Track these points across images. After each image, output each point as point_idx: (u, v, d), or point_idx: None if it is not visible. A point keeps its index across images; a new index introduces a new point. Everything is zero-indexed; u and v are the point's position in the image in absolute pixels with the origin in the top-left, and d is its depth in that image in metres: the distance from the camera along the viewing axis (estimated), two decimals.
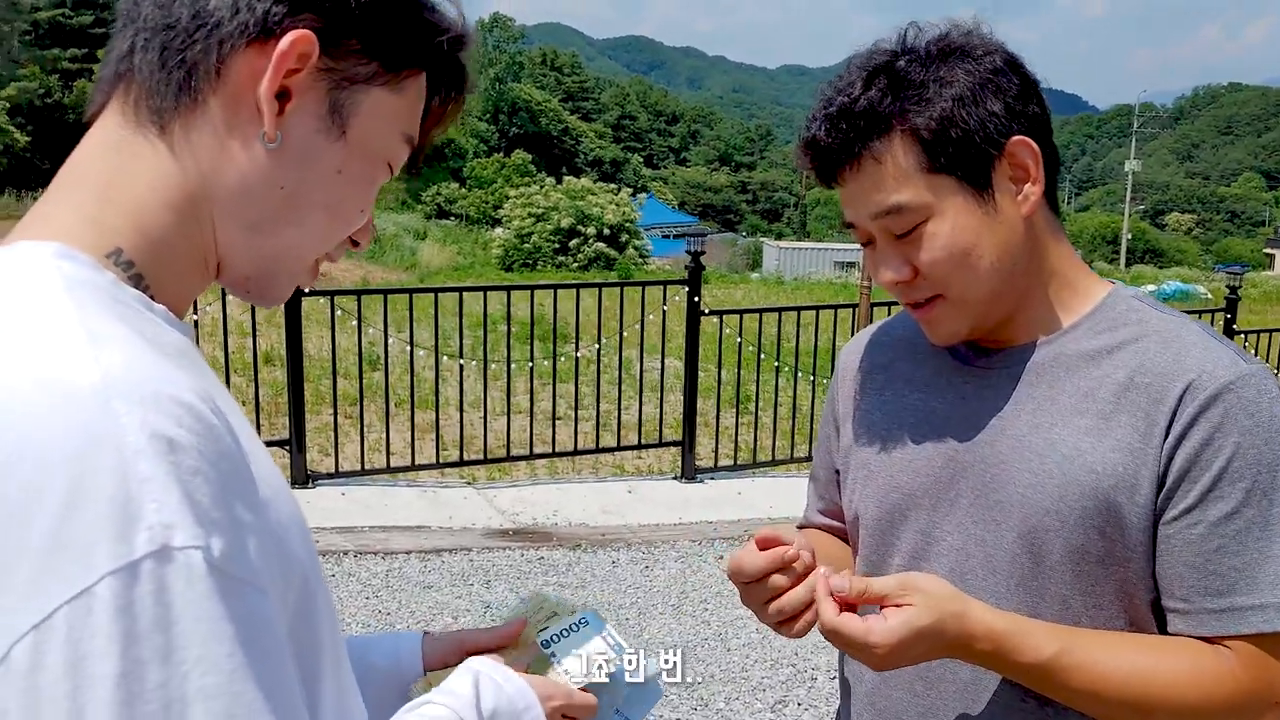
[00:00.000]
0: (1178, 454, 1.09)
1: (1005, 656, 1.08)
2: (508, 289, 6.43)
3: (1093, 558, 1.12)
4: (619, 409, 6.58)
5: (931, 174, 1.12)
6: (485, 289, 6.35)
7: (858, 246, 1.30)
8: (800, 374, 7.06)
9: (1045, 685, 1.10)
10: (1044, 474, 1.14)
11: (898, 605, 1.06)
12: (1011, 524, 1.16)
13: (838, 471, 1.41)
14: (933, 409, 1.25)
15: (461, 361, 6.37)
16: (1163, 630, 1.15)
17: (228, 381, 6.12)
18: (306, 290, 5.82)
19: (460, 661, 1.04)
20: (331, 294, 6.02)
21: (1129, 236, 59.03)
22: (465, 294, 6.58)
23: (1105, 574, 1.13)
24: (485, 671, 0.97)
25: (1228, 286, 8.49)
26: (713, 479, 6.69)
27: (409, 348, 6.22)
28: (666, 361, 6.82)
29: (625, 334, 6.67)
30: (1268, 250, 66.33)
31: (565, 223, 25.74)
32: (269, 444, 6.10)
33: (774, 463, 6.93)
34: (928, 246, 1.14)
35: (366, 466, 6.14)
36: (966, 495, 1.20)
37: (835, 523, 1.46)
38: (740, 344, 6.77)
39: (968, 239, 1.14)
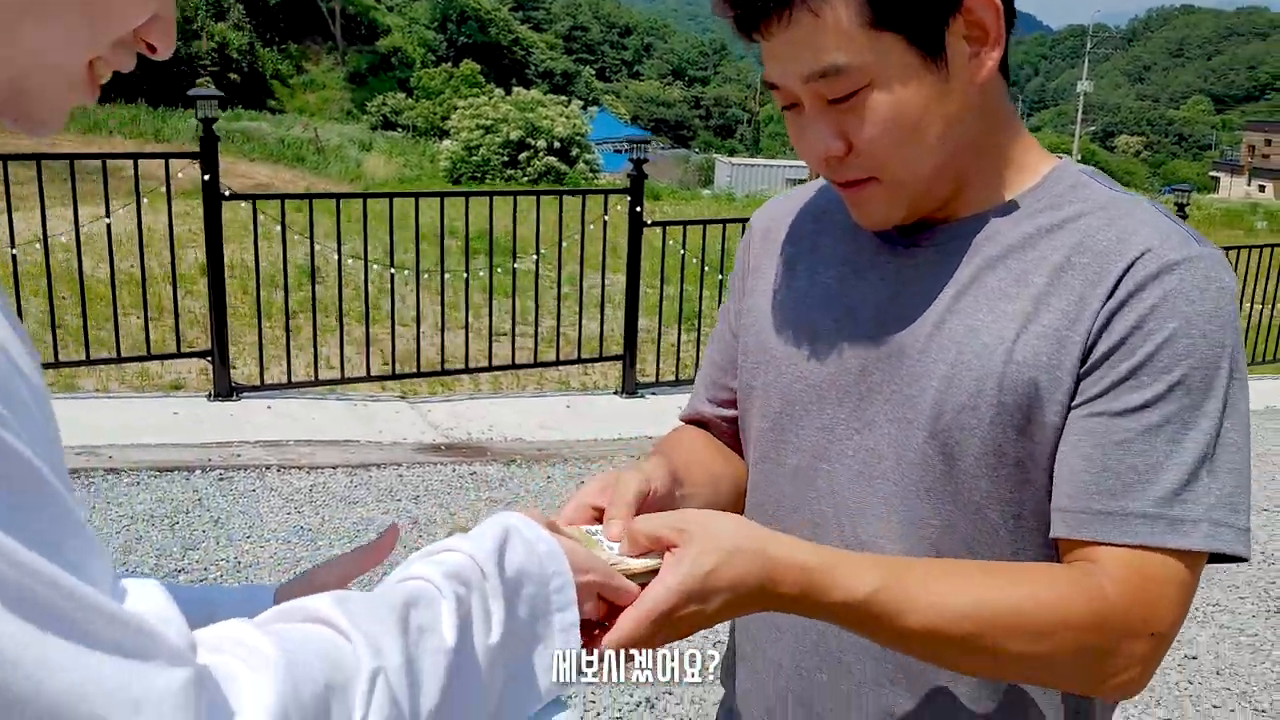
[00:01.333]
0: (1103, 336, 0.95)
1: (814, 598, 0.89)
2: (441, 195, 6.17)
3: (1010, 460, 0.98)
4: (558, 323, 6.39)
5: (876, 31, 0.94)
6: (418, 195, 6.08)
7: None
8: None
9: (869, 629, 0.92)
10: (961, 365, 0.99)
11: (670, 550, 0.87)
12: (923, 421, 1.01)
13: (739, 355, 1.24)
14: (847, 291, 1.09)
15: (393, 271, 6.12)
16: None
17: (145, 299, 5.84)
18: (227, 194, 5.53)
19: None
20: (254, 198, 5.73)
21: (1079, 158, 59.58)
22: (399, 201, 6.31)
23: (1024, 479, 0.99)
24: (517, 526, 0.81)
25: (1176, 204, 8.42)
26: (654, 394, 6.55)
27: (338, 256, 5.95)
28: (609, 276, 6.63)
29: (566, 245, 6.45)
30: (1213, 174, 67.03)
31: (514, 135, 25.16)
32: (189, 355, 5.86)
33: None
34: (869, 119, 0.97)
35: (294, 379, 5.92)
36: (879, 389, 1.05)
37: (728, 412, 1.28)
38: (684, 256, 6.58)
39: (913, 110, 0.96)
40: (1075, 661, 0.93)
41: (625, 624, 0.83)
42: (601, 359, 6.62)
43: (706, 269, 6.83)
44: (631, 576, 0.86)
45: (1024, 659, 0.92)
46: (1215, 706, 3.57)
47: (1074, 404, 0.96)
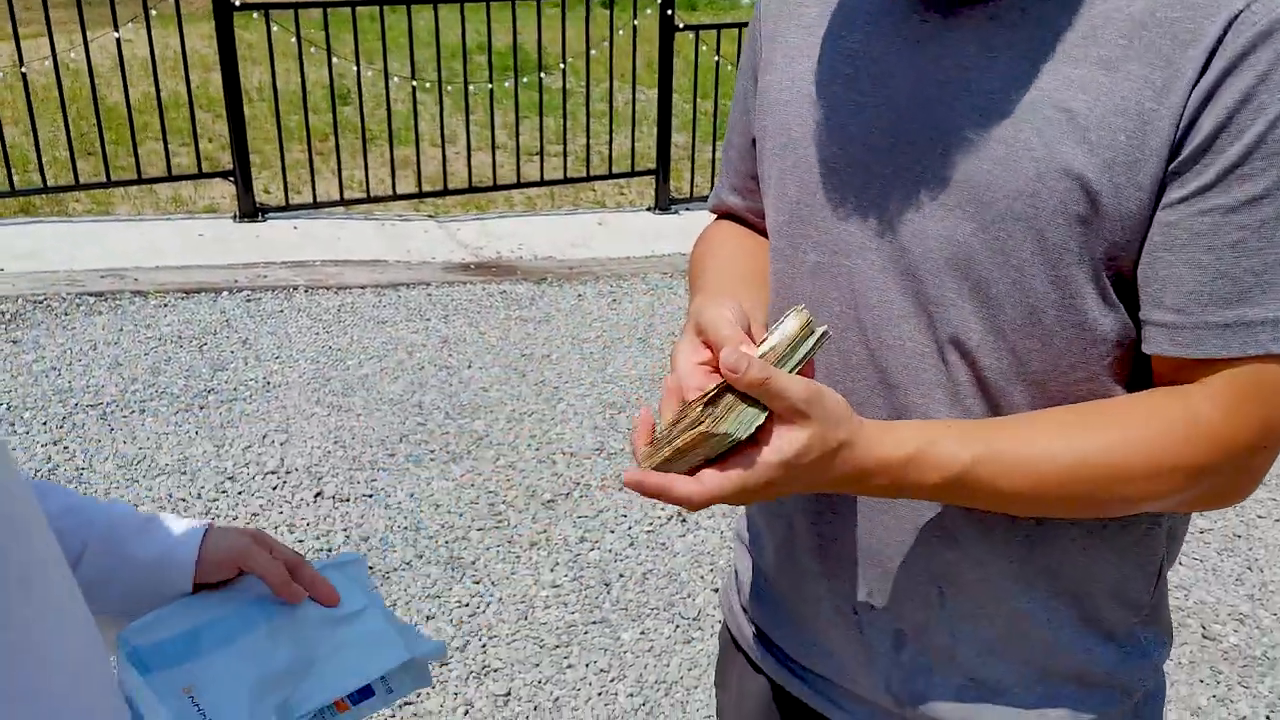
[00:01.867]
0: (1205, 113, 0.77)
1: (909, 485, 0.84)
2: (461, 2, 5.86)
3: (1072, 258, 0.83)
4: (588, 138, 6.16)
5: None
6: (437, 1, 5.77)
7: None
8: None
9: (968, 500, 0.86)
10: (1018, 145, 0.82)
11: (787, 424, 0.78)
12: (969, 211, 0.85)
13: (755, 139, 1.09)
14: (877, 58, 0.91)
15: (415, 84, 5.88)
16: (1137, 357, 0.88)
17: (162, 119, 5.67)
18: (238, 3, 5.28)
19: (235, 576, 0.93)
20: (266, 6, 5.47)
21: None
22: (419, 12, 6.00)
23: (1087, 280, 0.84)
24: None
25: None
26: (688, 210, 6.36)
27: (356, 70, 5.72)
28: (639, 89, 6.35)
29: (595, 54, 6.15)
30: None
31: None
32: (211, 175, 5.72)
33: None
34: None
35: (320, 200, 5.79)
36: (912, 172, 0.89)
37: (750, 203, 1.15)
38: (718, 64, 6.27)
39: None
40: (1184, 491, 0.84)
41: (712, 482, 0.78)
42: (634, 174, 6.41)
43: None
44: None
45: (1131, 500, 0.84)
46: None
47: (1169, 198, 0.80)
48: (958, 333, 0.89)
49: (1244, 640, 2.93)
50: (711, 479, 0.78)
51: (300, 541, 3.15)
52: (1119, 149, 0.80)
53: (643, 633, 2.87)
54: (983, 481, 0.83)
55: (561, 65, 6.12)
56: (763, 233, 1.16)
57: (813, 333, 0.79)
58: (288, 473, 3.49)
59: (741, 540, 1.22)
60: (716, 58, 6.28)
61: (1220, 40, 0.76)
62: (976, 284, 0.87)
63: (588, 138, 6.20)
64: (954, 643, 1.00)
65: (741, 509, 1.30)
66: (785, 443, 0.78)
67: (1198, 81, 0.77)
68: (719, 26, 6.31)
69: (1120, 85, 0.80)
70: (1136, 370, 0.89)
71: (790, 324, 0.79)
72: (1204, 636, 2.94)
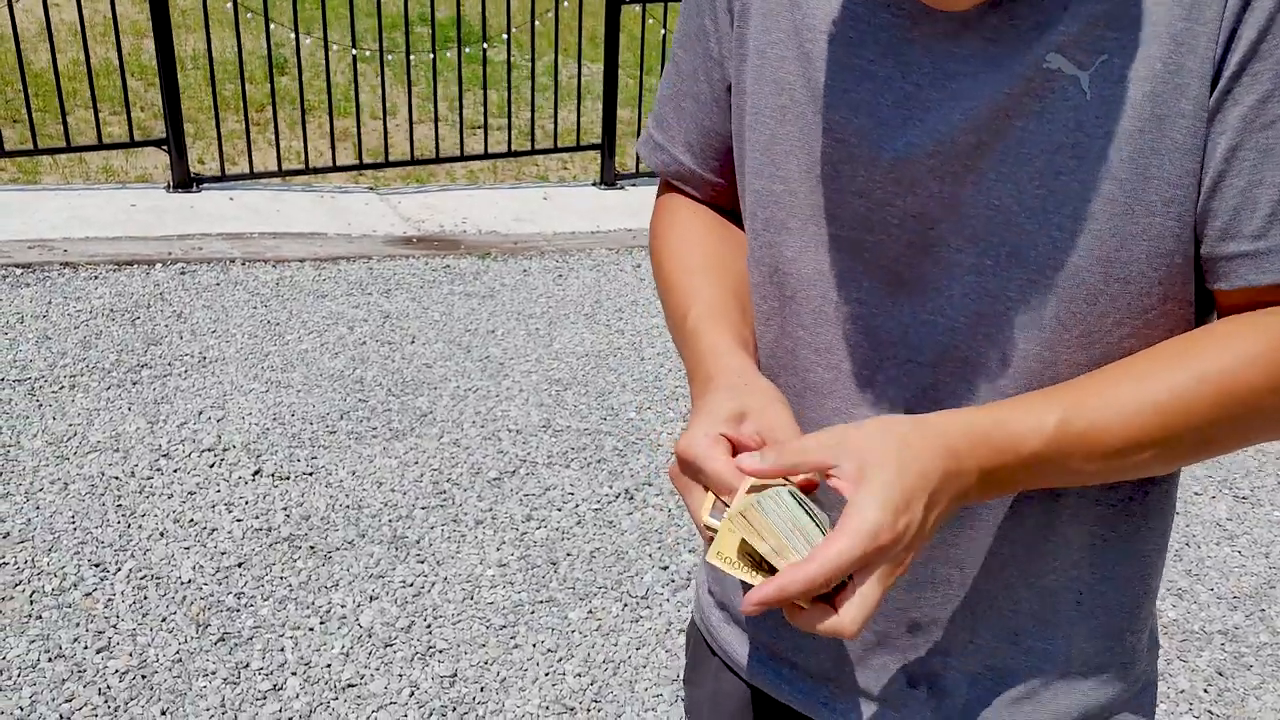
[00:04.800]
0: (1244, 20, 0.73)
1: (1004, 457, 0.77)
2: None
3: (1119, 206, 0.78)
4: (533, 113, 6.08)
5: None
6: None
7: None
8: None
9: (1067, 470, 0.79)
10: (1050, 94, 0.79)
11: (848, 482, 0.73)
12: (1003, 172, 0.81)
13: (729, 88, 0.98)
14: (884, 25, 0.84)
15: (355, 52, 5.75)
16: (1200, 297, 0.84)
17: (91, 85, 5.48)
18: None
19: None
20: None
21: None
22: None
23: (1136, 225, 0.79)
24: None
25: None
26: (634, 185, 6.31)
27: (296, 38, 5.58)
28: (587, 66, 6.27)
29: (539, 26, 6.06)
30: None
31: None
32: (143, 144, 5.56)
33: None
34: None
35: (257, 170, 5.65)
36: (923, 143, 0.83)
37: (706, 164, 1.05)
38: (665, 38, 6.21)
39: None
40: None
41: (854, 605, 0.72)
42: (579, 148, 6.34)
43: None
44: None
45: (1269, 416, 0.78)
46: None
47: (1224, 120, 0.75)
48: (994, 301, 0.84)
49: (1182, 615, 2.98)
50: (851, 606, 0.72)
51: (239, 521, 3.07)
52: (1157, 78, 0.75)
53: (590, 612, 2.84)
54: (1078, 439, 0.77)
55: (505, 36, 6.02)
56: (713, 203, 1.08)
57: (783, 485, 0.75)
58: (225, 450, 3.40)
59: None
60: (663, 31, 6.23)
61: None
62: (1015, 249, 0.82)
63: (532, 111, 6.11)
64: (973, 628, 0.95)
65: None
66: (859, 497, 0.72)
67: None
68: (666, 0, 6.24)
69: (1148, 10, 0.75)
70: (1179, 320, 0.84)
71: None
72: None
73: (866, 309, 0.90)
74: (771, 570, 0.73)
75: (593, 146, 6.28)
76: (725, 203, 1.08)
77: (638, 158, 6.42)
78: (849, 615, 0.72)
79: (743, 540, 0.74)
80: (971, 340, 0.86)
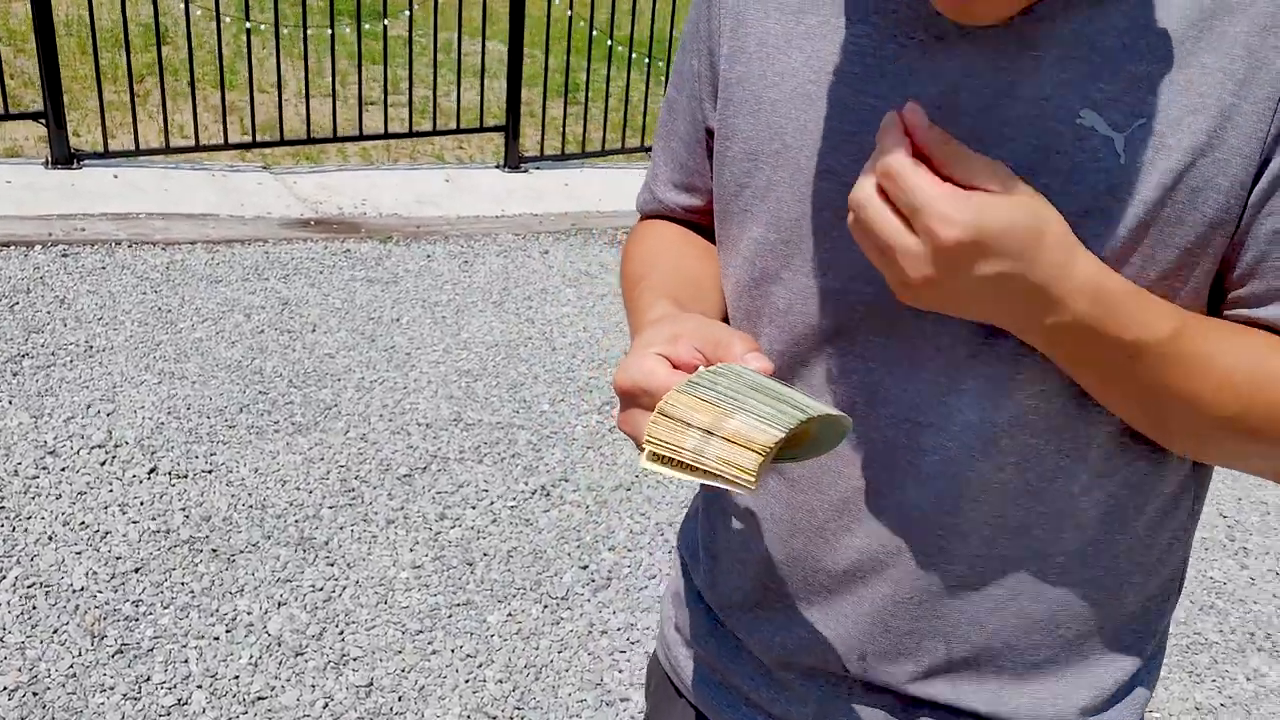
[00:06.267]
0: None
1: (1103, 324, 0.72)
2: None
3: (1135, 270, 0.76)
4: (435, 91, 5.91)
5: None
6: None
7: None
8: (635, 58, 6.49)
9: (1147, 376, 0.75)
10: (1081, 153, 0.74)
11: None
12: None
13: (710, 131, 0.95)
14: (891, 56, 0.79)
15: (249, 25, 5.51)
16: None
17: None
18: None
19: None
20: None
21: None
22: None
23: (1162, 284, 0.77)
24: None
25: None
26: (538, 169, 6.20)
27: (185, 6, 5.31)
28: (489, 44, 6.12)
29: (441, 1, 5.89)
30: None
31: None
32: (19, 116, 5.24)
33: (604, 153, 6.47)
34: None
35: (142, 146, 5.37)
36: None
37: (698, 201, 1.02)
38: (570, 18, 6.10)
39: None
40: None
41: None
42: (482, 129, 6.19)
43: (595, 33, 6.37)
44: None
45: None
46: None
47: (1258, 197, 0.73)
48: (1003, 362, 0.80)
49: None
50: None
51: (134, 523, 2.91)
52: (1197, 150, 0.72)
53: (510, 614, 2.77)
54: (1182, 357, 0.74)
55: (406, 12, 5.84)
56: (703, 232, 1.04)
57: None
58: (116, 446, 3.22)
59: (687, 566, 1.11)
60: (569, 12, 6.12)
61: None
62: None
63: (435, 90, 5.95)
64: (960, 610, 0.89)
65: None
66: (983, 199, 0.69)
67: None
68: None
69: (1195, 80, 0.72)
70: None
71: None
72: None
73: (862, 364, 0.85)
74: (703, 471, 0.66)
75: (497, 128, 6.15)
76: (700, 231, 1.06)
77: (542, 139, 6.31)
78: (863, 193, 0.71)
79: (675, 429, 0.67)
80: (978, 401, 0.82)
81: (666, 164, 1.03)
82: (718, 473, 0.65)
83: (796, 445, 0.70)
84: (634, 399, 0.74)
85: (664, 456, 0.67)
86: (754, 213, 0.89)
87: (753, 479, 0.64)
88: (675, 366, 0.74)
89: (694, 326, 0.77)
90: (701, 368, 0.71)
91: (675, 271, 0.97)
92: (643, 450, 0.68)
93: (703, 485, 0.83)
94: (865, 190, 0.71)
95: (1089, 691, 0.93)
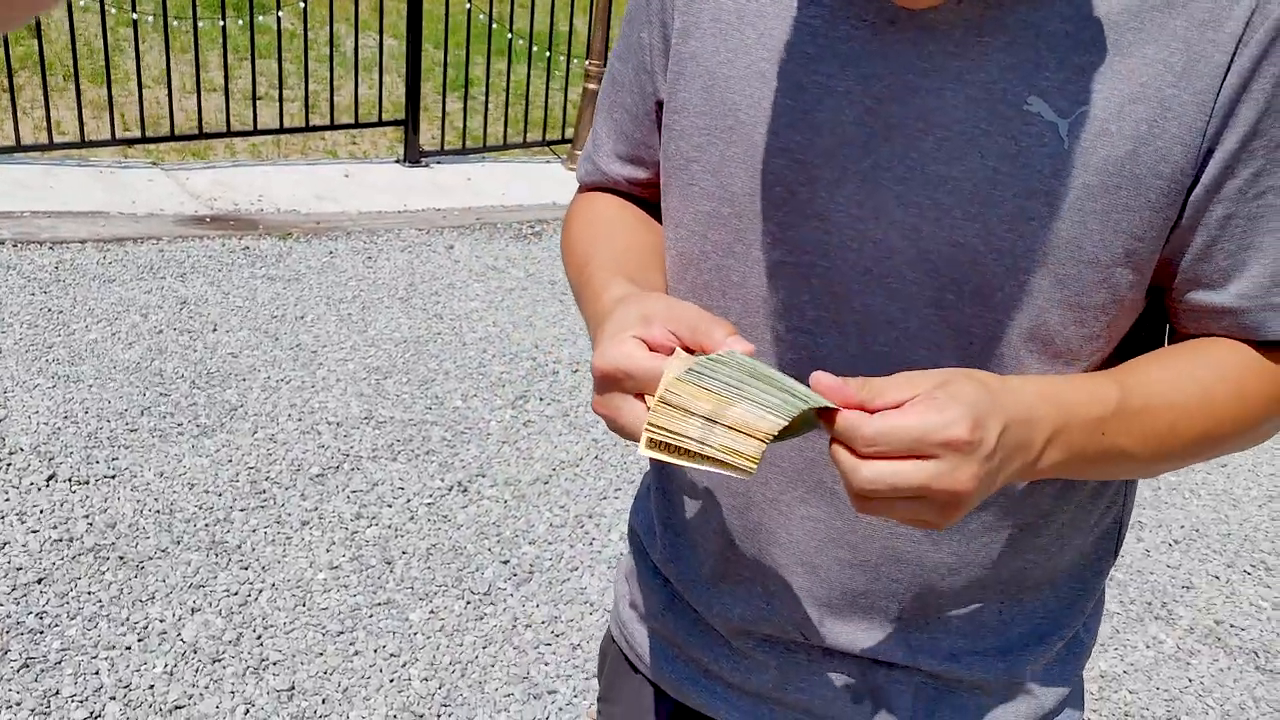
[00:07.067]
0: (1243, 100, 0.74)
1: (1073, 417, 0.76)
2: None
3: (1086, 256, 0.78)
4: (332, 85, 5.80)
5: None
6: None
7: None
8: (535, 50, 6.46)
9: (1123, 440, 0.79)
10: (1026, 137, 0.76)
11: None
12: (971, 211, 0.78)
13: (659, 103, 0.95)
14: (844, 37, 0.80)
15: (135, 17, 5.33)
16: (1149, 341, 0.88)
17: None
18: None
19: None
20: None
21: None
22: None
23: (1101, 280, 0.80)
24: None
25: None
26: (439, 164, 6.13)
27: None
28: (385, 40, 6.03)
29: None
30: None
31: None
32: None
33: (505, 147, 6.43)
34: None
35: (23, 142, 5.15)
36: (896, 168, 0.79)
37: (645, 174, 1.02)
38: (470, 11, 6.04)
39: None
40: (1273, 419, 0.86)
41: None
42: (381, 124, 6.10)
43: (495, 26, 6.32)
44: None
45: (1253, 425, 0.85)
46: None
47: (1225, 189, 0.77)
48: (955, 336, 0.82)
49: None
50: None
51: (34, 532, 2.80)
52: (1139, 138, 0.75)
53: (432, 612, 2.74)
54: (1139, 414, 0.79)
55: (301, 4, 5.72)
56: (644, 205, 1.05)
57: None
58: (11, 453, 3.09)
59: (643, 543, 1.12)
60: (468, 5, 6.06)
61: (1248, 21, 0.73)
62: (978, 288, 0.80)
63: (331, 84, 5.84)
64: (914, 574, 0.93)
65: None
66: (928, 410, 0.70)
67: (1229, 67, 0.74)
68: None
69: (1130, 70, 0.75)
70: (1124, 359, 0.86)
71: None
72: None
73: (812, 339, 0.87)
74: (705, 459, 0.67)
75: (396, 122, 6.07)
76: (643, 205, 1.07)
77: (442, 134, 6.25)
78: (871, 470, 0.68)
79: (677, 417, 0.68)
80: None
81: (610, 135, 1.02)
82: (720, 459, 0.67)
83: (788, 429, 0.72)
84: (615, 382, 0.74)
85: (662, 443, 0.68)
86: (704, 187, 0.89)
87: (754, 465, 0.66)
88: (651, 349, 0.75)
89: (663, 308, 0.78)
90: (701, 356, 0.72)
91: (626, 249, 0.98)
92: (642, 436, 0.70)
93: (697, 469, 0.84)
94: (861, 473, 0.69)
95: (1037, 648, 0.97)
